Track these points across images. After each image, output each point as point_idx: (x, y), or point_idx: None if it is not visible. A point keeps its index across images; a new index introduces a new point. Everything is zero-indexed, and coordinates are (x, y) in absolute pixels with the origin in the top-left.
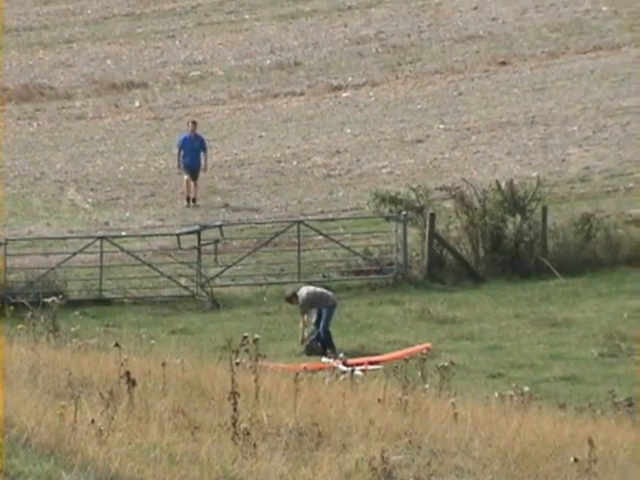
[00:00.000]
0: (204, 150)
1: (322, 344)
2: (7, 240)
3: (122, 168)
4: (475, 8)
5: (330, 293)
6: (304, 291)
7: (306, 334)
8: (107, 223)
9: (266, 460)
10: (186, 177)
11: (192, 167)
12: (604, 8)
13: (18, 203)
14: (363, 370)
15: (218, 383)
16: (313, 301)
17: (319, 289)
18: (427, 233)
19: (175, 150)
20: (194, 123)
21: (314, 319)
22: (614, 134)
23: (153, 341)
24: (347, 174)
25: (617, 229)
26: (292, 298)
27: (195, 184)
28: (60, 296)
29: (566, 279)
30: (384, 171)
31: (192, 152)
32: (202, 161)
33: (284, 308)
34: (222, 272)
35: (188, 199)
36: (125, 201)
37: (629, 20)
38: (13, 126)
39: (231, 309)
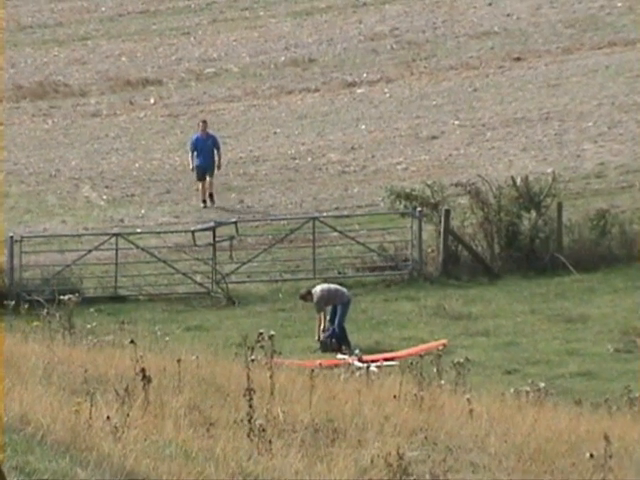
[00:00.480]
0: (217, 148)
1: (337, 340)
2: (22, 237)
3: (137, 165)
4: (490, 4)
5: (344, 289)
6: (318, 288)
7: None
8: (122, 220)
9: (282, 456)
10: (199, 183)
11: (205, 167)
12: (619, 4)
13: (33, 200)
14: (378, 366)
15: (233, 380)
16: (328, 298)
17: (333, 286)
18: (442, 229)
19: (188, 151)
20: (204, 122)
21: (329, 316)
22: (629, 130)
23: (168, 338)
24: (362, 170)
25: (632, 225)
26: (307, 296)
27: (210, 182)
28: (75, 293)
29: (581, 275)
30: (399, 167)
31: (205, 152)
32: (216, 159)
33: (299, 305)
34: (237, 269)
35: (204, 201)
36: (140, 198)
37: None
38: (28, 123)
39: (246, 306)
